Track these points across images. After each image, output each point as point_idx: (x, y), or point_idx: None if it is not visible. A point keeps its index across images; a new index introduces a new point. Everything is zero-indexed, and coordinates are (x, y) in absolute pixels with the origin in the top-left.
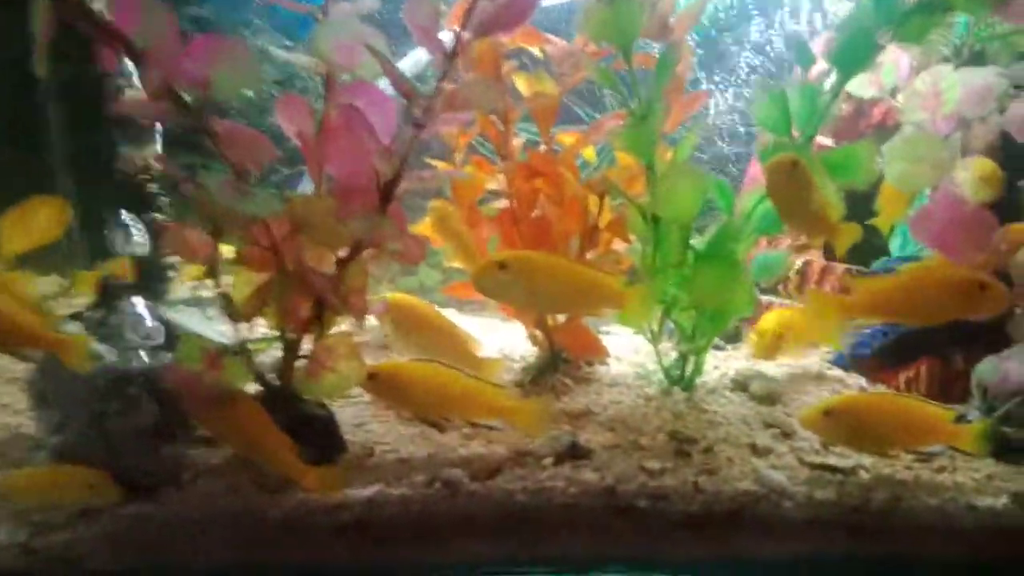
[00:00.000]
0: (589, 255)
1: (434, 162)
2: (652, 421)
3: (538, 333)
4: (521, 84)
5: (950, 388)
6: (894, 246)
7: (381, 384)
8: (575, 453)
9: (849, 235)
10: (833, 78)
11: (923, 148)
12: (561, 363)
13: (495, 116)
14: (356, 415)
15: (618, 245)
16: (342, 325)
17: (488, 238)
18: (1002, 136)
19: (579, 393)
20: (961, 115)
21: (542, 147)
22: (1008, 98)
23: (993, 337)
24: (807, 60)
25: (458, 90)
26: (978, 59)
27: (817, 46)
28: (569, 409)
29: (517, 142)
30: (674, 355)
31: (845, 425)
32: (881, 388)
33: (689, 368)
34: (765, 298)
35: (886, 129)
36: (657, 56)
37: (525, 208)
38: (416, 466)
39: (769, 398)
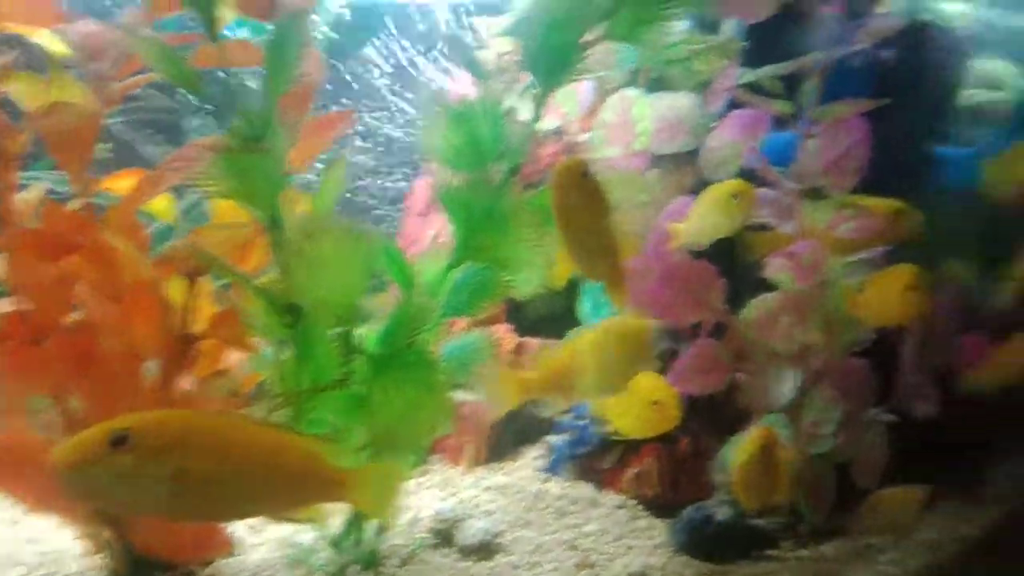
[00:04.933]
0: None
1: None
2: None
3: (103, 531)
4: (23, 91)
5: (686, 478)
6: (583, 311)
7: None
8: None
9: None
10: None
11: (618, 190)
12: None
13: None
14: None
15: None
16: None
17: None
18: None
19: None
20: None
21: (75, 201)
22: (704, 130)
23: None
24: (477, 68)
25: None
26: (658, 87)
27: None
28: None
29: (28, 196)
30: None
31: None
32: (611, 494)
33: (370, 530)
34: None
35: None
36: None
37: (50, 311)
38: None
39: (485, 548)
